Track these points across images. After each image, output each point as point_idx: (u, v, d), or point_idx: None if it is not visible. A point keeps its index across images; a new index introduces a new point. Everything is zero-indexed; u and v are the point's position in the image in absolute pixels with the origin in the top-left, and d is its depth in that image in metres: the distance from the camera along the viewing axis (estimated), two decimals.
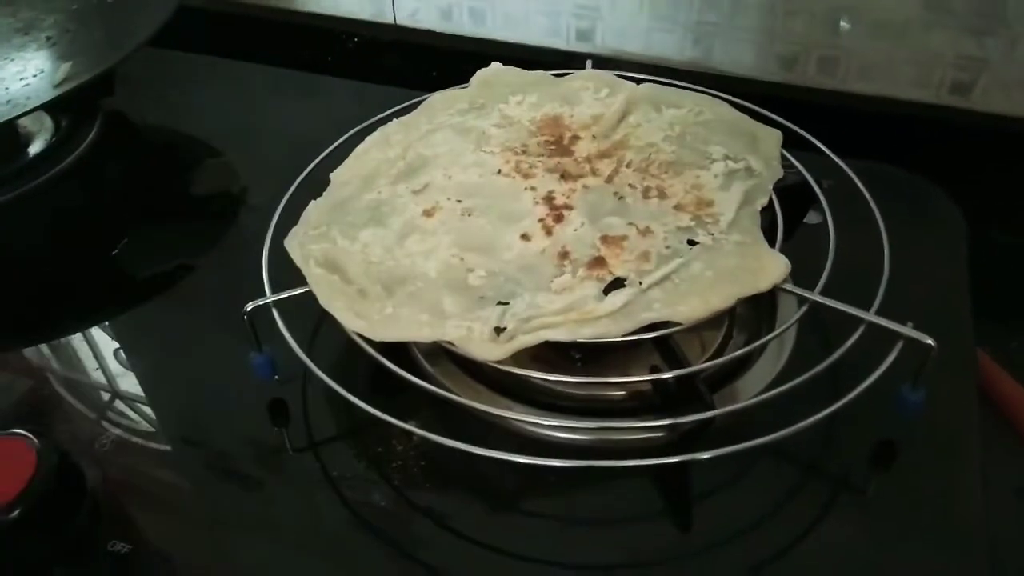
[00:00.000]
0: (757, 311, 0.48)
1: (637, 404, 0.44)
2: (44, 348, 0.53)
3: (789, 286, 0.41)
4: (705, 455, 0.36)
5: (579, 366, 0.45)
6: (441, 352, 0.47)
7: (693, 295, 0.40)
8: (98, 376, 0.51)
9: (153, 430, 0.48)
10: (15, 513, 0.37)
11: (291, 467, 0.45)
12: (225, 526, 0.43)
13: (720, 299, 0.40)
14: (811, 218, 0.50)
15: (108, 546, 0.39)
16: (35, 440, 0.39)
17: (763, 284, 0.40)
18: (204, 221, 0.60)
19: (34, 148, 0.64)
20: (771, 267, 0.41)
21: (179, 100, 0.71)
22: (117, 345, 0.52)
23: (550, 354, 0.44)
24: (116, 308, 0.55)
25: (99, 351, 0.53)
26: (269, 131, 0.67)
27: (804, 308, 0.41)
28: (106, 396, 0.50)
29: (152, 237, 0.58)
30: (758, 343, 0.41)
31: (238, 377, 0.47)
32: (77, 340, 0.54)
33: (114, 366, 0.51)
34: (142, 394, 0.50)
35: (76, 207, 0.61)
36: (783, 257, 0.42)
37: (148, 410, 0.49)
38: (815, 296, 0.41)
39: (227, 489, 0.44)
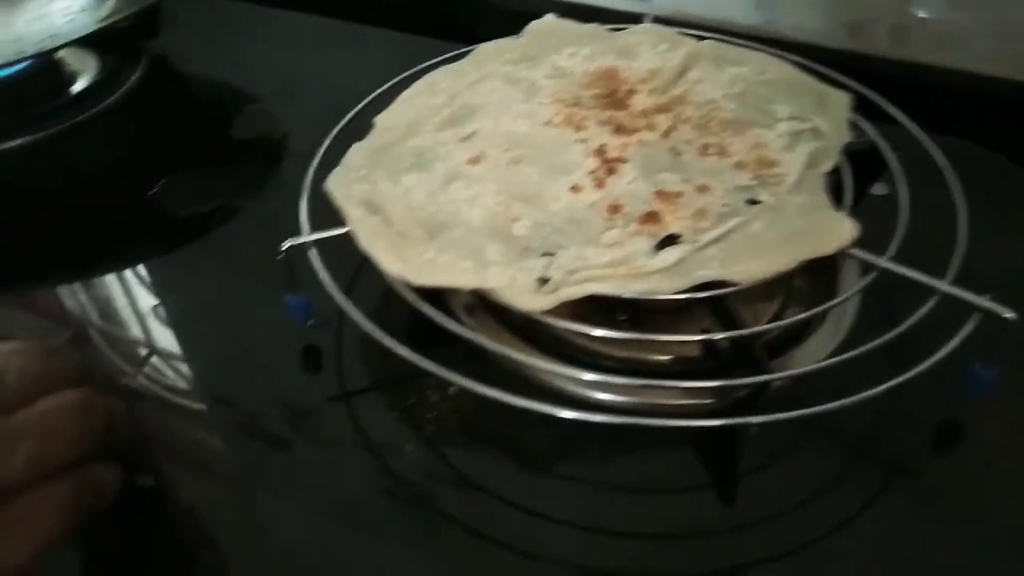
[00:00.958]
0: (815, 283, 0.46)
1: (683, 369, 0.42)
2: (77, 288, 0.53)
3: (857, 251, 0.38)
4: (758, 419, 0.34)
5: (624, 327, 0.43)
6: (480, 305, 0.45)
7: (753, 255, 0.38)
8: (128, 317, 0.50)
9: (181, 377, 0.47)
10: None
11: (322, 419, 0.43)
12: (251, 481, 0.41)
13: (782, 260, 0.37)
14: (878, 189, 0.47)
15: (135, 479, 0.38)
16: None
17: (829, 247, 0.38)
18: (244, 165, 0.59)
19: (78, 86, 0.64)
20: (838, 230, 0.38)
21: (223, 46, 0.70)
22: (156, 301, 0.50)
23: (592, 312, 0.42)
24: (152, 249, 0.54)
25: (132, 292, 0.52)
26: (312, 80, 0.66)
27: (873, 275, 0.38)
28: (137, 334, 0.49)
29: (191, 179, 0.57)
30: (822, 307, 0.38)
31: (271, 325, 0.46)
32: (110, 280, 0.53)
33: (145, 305, 0.50)
34: (173, 339, 0.48)
35: (116, 146, 0.60)
36: (851, 220, 0.39)
37: (178, 355, 0.48)
38: (884, 262, 0.38)
39: (254, 442, 0.42)
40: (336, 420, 0.42)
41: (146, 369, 0.46)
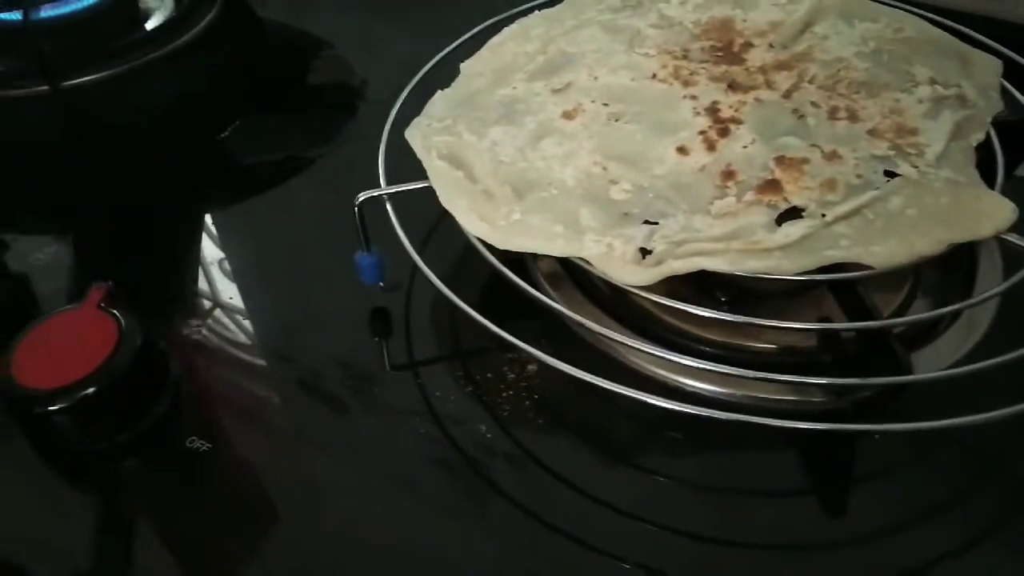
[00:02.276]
0: (947, 275, 0.40)
1: (790, 361, 0.37)
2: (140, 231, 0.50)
3: (1015, 237, 0.33)
4: (897, 427, 0.29)
5: (725, 310, 0.38)
6: (564, 276, 0.41)
7: (892, 235, 0.32)
8: (193, 264, 0.48)
9: (244, 333, 0.44)
10: (91, 390, 0.34)
11: (385, 386, 0.40)
12: (311, 443, 0.38)
13: (927, 243, 0.32)
14: (1022, 170, 0.41)
15: (187, 442, 0.36)
16: (120, 317, 0.36)
17: (984, 230, 0.32)
18: (318, 113, 0.55)
19: (152, 23, 0.61)
20: (993, 211, 0.33)
21: None
22: (221, 253, 0.48)
23: (690, 293, 0.37)
24: (220, 195, 0.51)
25: (197, 239, 0.49)
26: (393, 26, 0.62)
27: None
28: (202, 286, 0.47)
29: (263, 125, 0.54)
30: (980, 298, 0.33)
31: (338, 285, 0.43)
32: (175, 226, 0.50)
33: (209, 255, 0.47)
34: (237, 293, 0.46)
35: (188, 86, 0.58)
36: (1008, 201, 0.33)
37: (241, 309, 0.45)
38: None
39: (315, 405, 0.39)
40: (401, 389, 0.39)
41: (209, 322, 0.43)
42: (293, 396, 0.40)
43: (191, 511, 0.35)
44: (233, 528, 0.35)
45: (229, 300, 0.44)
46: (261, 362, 0.43)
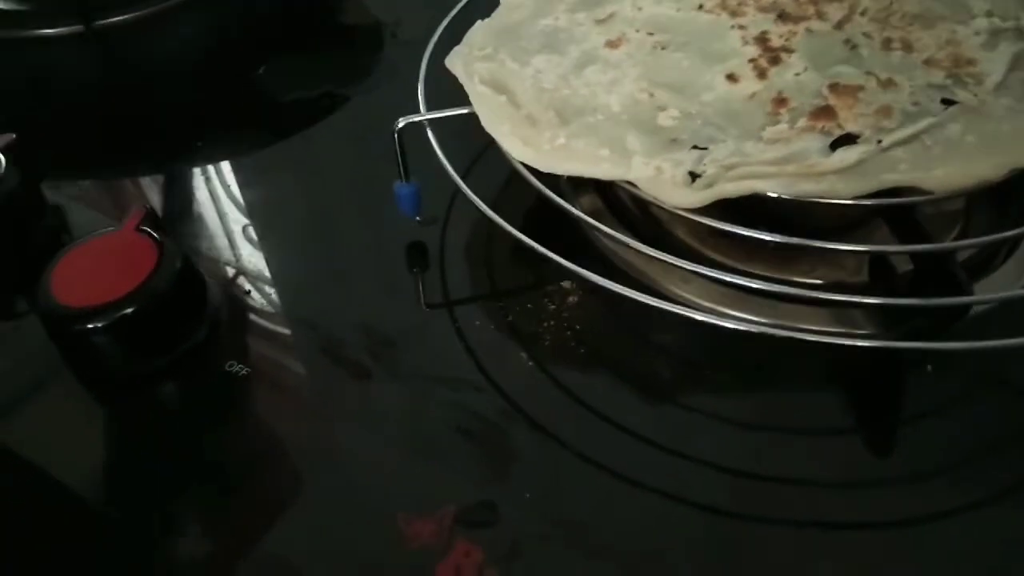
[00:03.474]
0: (1002, 208, 0.39)
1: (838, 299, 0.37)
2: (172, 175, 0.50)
3: None
4: (956, 344, 0.28)
5: (771, 251, 0.37)
6: (607, 213, 0.41)
7: (952, 160, 0.31)
8: (228, 205, 0.47)
9: (263, 277, 0.44)
10: (130, 309, 0.33)
11: (425, 328, 0.39)
12: (326, 405, 0.37)
13: (989, 167, 0.31)
14: None
15: (226, 366, 0.35)
16: (160, 239, 0.35)
17: None
18: (352, 51, 0.55)
19: None
20: None
21: None
22: (257, 199, 0.46)
23: (733, 234, 0.36)
24: (255, 136, 0.51)
25: (228, 182, 0.48)
26: None
27: None
28: (237, 226, 0.46)
29: (296, 64, 0.54)
30: None
31: (379, 225, 0.42)
32: (208, 170, 0.50)
33: (245, 197, 0.47)
34: (271, 239, 0.45)
35: (220, 27, 0.57)
36: None
37: (276, 254, 0.44)
38: None
39: (333, 368, 0.37)
40: (428, 342, 0.38)
41: (239, 273, 0.43)
42: (314, 360, 0.38)
43: (229, 434, 0.35)
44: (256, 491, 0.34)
45: (260, 247, 0.44)
46: (285, 328, 0.42)
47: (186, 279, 0.35)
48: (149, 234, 0.36)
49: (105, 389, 0.36)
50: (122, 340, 0.34)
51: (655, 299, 0.31)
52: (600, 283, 0.31)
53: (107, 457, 0.34)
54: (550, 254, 0.32)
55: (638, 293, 0.31)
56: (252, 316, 0.40)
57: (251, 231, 0.44)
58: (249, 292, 0.40)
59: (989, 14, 0.39)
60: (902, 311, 0.33)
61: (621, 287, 0.31)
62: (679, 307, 0.30)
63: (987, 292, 0.35)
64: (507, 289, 0.40)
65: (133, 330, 0.34)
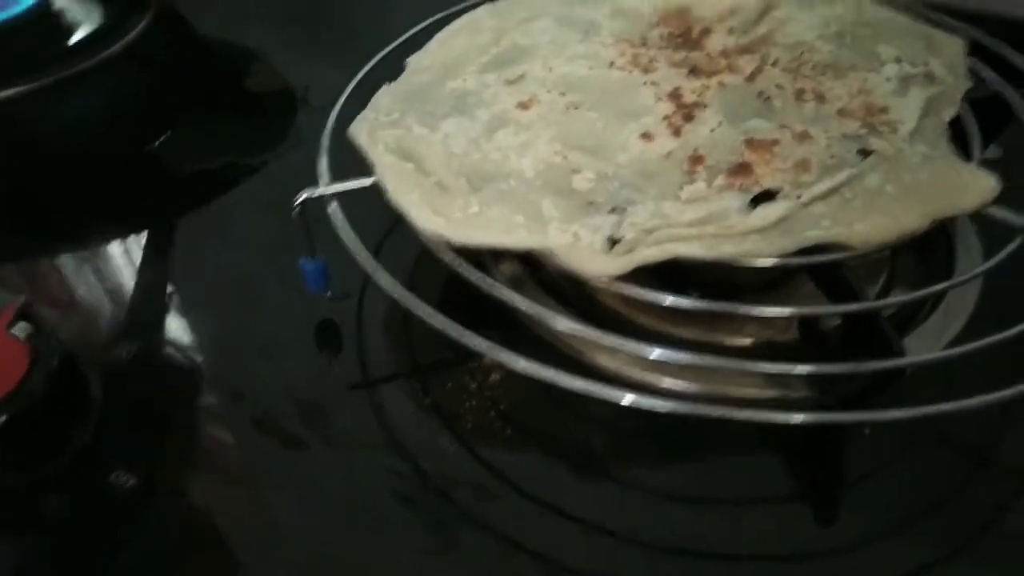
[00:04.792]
0: (924, 262, 0.38)
1: (769, 355, 0.35)
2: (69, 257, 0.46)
3: (1000, 210, 0.31)
4: (899, 413, 0.27)
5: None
6: (527, 279, 0.39)
7: (874, 212, 0.30)
8: (125, 283, 0.44)
9: (179, 349, 0.41)
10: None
11: (341, 410, 0.36)
12: (257, 478, 0.35)
13: (911, 219, 0.30)
14: (990, 153, 0.40)
15: (111, 476, 0.32)
16: (34, 336, 0.32)
17: (968, 203, 0.31)
18: (258, 119, 0.52)
19: (78, 35, 0.57)
20: (975, 184, 0.31)
21: None
22: (171, 288, 0.44)
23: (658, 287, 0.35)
24: (152, 208, 0.47)
25: (132, 261, 0.45)
26: (338, 29, 0.59)
27: (1020, 240, 0.31)
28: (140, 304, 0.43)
29: (198, 133, 0.51)
30: (970, 275, 0.31)
31: (288, 302, 0.39)
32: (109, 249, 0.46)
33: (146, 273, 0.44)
34: (171, 310, 0.42)
35: (117, 99, 0.54)
36: (990, 174, 0.32)
37: (184, 342, 0.41)
38: None
39: (264, 439, 0.36)
40: (357, 411, 0.36)
41: (145, 345, 0.40)
42: (243, 431, 0.36)
43: (126, 555, 0.31)
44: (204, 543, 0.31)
45: (170, 322, 0.41)
46: (211, 399, 0.39)
47: (66, 383, 0.32)
48: (23, 331, 0.32)
49: None
50: None
51: (580, 379, 0.29)
52: (518, 368, 0.29)
53: None
54: (464, 339, 0.30)
55: (560, 373, 0.29)
56: (165, 393, 0.37)
57: (156, 307, 0.41)
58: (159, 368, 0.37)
59: (898, 60, 0.39)
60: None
61: (541, 369, 0.29)
62: (606, 389, 0.28)
63: (916, 344, 0.34)
64: (428, 365, 0.38)
65: (2, 445, 0.30)
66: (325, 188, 0.35)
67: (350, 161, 0.37)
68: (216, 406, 0.37)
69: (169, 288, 0.43)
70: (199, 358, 0.40)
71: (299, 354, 0.39)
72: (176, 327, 0.41)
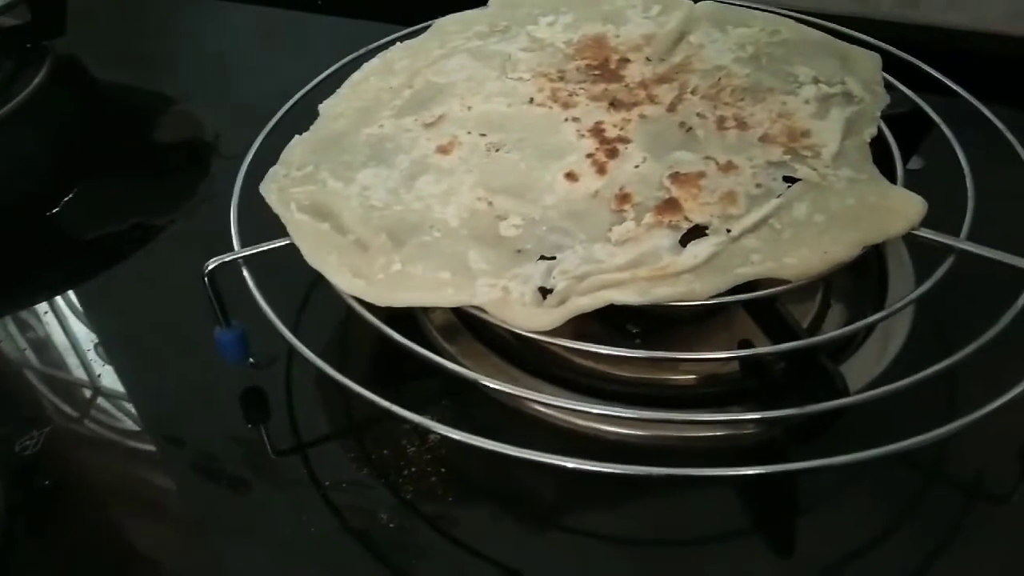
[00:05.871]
0: (858, 280, 0.38)
1: (715, 392, 0.35)
2: None
3: (928, 232, 0.31)
4: (842, 459, 0.26)
5: (637, 343, 0.35)
6: (460, 327, 0.37)
7: (803, 244, 0.30)
8: (28, 356, 0.41)
9: (99, 424, 0.38)
10: None
11: (272, 481, 0.34)
12: (208, 529, 0.33)
13: (841, 248, 0.30)
14: (912, 163, 0.40)
15: None
16: None
17: (896, 227, 0.30)
18: (167, 175, 0.50)
19: None
20: (903, 207, 0.31)
21: (141, 43, 0.61)
22: (95, 340, 0.41)
23: (597, 329, 0.34)
24: (57, 276, 0.44)
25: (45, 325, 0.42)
26: (247, 76, 0.57)
27: (951, 260, 0.31)
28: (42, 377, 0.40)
29: (103, 193, 0.48)
30: (901, 304, 0.31)
31: (211, 361, 0.37)
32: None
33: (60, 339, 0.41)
34: (86, 379, 0.39)
35: (14, 160, 0.51)
36: (916, 195, 0.32)
37: (93, 397, 0.39)
38: (963, 244, 0.31)
39: (208, 491, 0.34)
40: (290, 479, 0.34)
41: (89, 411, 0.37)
42: (185, 482, 0.35)
43: None
44: None
45: (75, 378, 0.38)
46: (150, 447, 0.37)
47: None
48: None
49: None
50: None
51: (513, 449, 0.27)
52: (450, 436, 0.28)
53: None
54: (394, 408, 0.28)
55: (484, 440, 0.27)
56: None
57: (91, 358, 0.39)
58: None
59: (815, 80, 0.39)
60: (782, 400, 0.31)
61: (467, 435, 0.28)
62: (544, 456, 0.27)
63: (857, 368, 0.34)
64: (362, 427, 0.36)
65: None
66: (236, 254, 0.33)
67: (265, 216, 0.35)
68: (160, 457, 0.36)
69: (76, 362, 0.40)
70: (137, 407, 0.38)
71: (229, 411, 0.37)
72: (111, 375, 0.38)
